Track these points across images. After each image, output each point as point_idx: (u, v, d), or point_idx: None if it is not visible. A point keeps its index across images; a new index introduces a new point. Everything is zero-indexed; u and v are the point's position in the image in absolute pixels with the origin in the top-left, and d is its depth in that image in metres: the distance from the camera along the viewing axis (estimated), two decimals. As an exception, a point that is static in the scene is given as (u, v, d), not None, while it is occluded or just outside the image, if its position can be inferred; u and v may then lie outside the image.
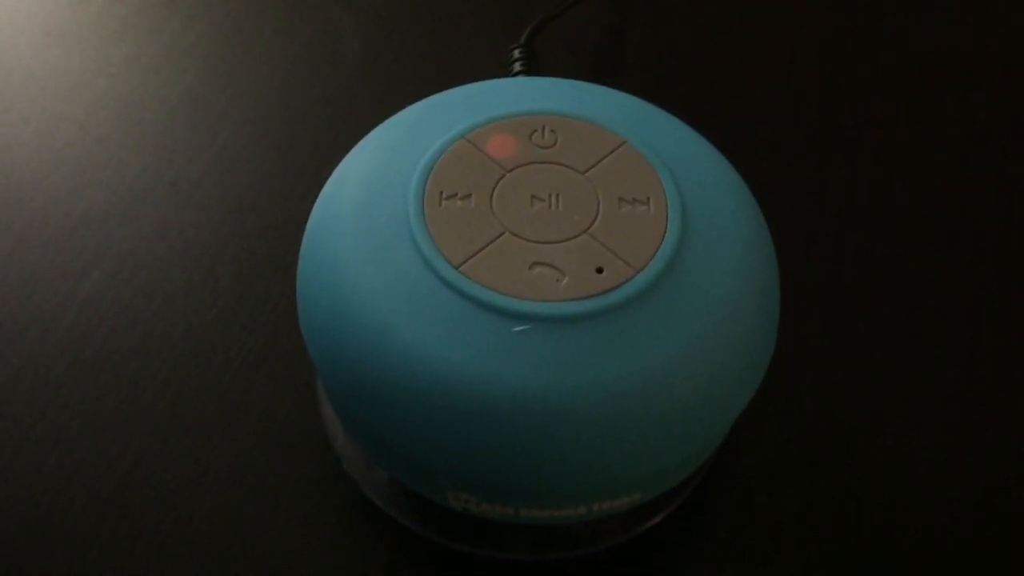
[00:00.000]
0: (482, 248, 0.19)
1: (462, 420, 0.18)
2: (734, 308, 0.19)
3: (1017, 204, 0.29)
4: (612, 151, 0.21)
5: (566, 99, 0.22)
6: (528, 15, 0.30)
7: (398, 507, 0.22)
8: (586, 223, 0.20)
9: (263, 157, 0.29)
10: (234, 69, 0.31)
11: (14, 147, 0.29)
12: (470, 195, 0.20)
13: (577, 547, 0.22)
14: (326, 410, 0.23)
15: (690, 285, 0.19)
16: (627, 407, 0.18)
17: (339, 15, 0.33)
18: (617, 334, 0.18)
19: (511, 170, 0.20)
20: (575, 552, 0.22)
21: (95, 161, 0.28)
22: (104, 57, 0.31)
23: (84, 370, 0.24)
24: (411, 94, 0.23)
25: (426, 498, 0.20)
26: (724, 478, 0.23)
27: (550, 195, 0.20)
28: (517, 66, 0.28)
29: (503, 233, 0.19)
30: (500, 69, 0.29)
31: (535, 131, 0.21)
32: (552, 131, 0.21)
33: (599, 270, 0.19)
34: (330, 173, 0.22)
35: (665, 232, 0.20)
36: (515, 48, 0.29)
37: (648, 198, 0.20)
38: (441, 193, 0.20)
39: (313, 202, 0.21)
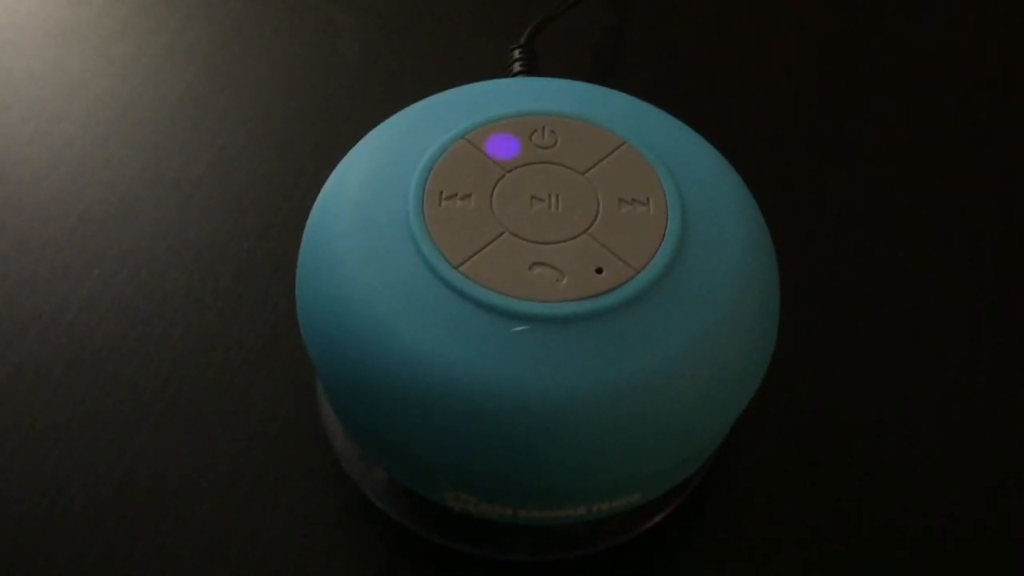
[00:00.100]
0: (482, 248, 0.19)
1: (461, 420, 0.18)
2: (734, 308, 0.19)
3: (1017, 204, 0.29)
4: (612, 151, 0.21)
5: (566, 99, 0.22)
6: (528, 15, 0.30)
7: (397, 507, 0.22)
8: (586, 223, 0.20)
9: (263, 157, 0.29)
10: (234, 69, 0.31)
11: (14, 147, 0.29)
12: (470, 195, 0.20)
13: (577, 547, 0.22)
14: (326, 410, 0.23)
15: (690, 285, 0.19)
16: (627, 407, 0.18)
17: (339, 15, 0.33)
18: (617, 334, 0.18)
19: (511, 170, 0.20)
20: (575, 552, 0.22)
21: (95, 161, 0.28)
22: (104, 57, 0.31)
23: (84, 370, 0.24)
24: (411, 94, 0.23)
25: (426, 498, 0.20)
26: (724, 478, 0.23)
27: (550, 195, 0.20)
28: (517, 66, 0.28)
29: (503, 233, 0.19)
30: (500, 69, 0.29)
31: (535, 131, 0.21)
32: (552, 131, 0.21)
33: (599, 270, 0.19)
34: (330, 173, 0.22)
35: (665, 232, 0.20)
36: (515, 48, 0.29)
37: (648, 198, 0.20)
38: (441, 193, 0.20)
39: (313, 202, 0.21)
